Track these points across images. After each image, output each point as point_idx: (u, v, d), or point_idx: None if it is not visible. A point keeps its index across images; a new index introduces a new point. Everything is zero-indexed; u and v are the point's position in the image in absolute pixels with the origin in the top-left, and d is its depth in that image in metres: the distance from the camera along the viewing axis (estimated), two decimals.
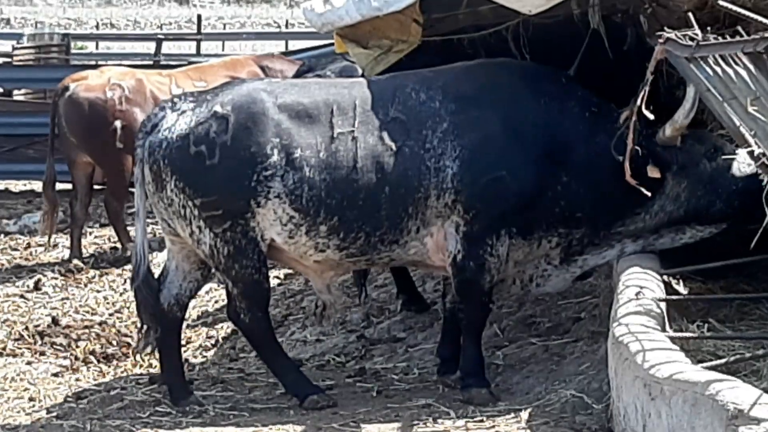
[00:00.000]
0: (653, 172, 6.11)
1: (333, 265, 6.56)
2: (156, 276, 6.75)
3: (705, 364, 4.76)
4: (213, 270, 6.66)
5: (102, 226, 12.16)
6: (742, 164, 6.11)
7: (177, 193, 6.41)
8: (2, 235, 12.09)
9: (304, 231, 6.37)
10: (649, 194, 6.11)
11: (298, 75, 10.56)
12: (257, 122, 6.36)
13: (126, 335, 8.38)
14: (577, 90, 6.48)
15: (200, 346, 8.48)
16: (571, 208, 6.34)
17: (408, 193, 6.29)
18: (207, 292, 9.84)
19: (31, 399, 7.19)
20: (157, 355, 6.93)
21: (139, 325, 6.92)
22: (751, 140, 4.77)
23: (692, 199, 6.29)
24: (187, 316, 9.24)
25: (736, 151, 5.61)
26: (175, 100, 6.61)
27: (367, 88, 6.54)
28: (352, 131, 6.36)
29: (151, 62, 19.95)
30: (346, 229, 6.34)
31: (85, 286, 10.13)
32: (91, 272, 10.45)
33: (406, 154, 6.31)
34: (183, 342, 8.50)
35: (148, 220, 7.44)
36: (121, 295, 9.75)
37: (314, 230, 6.36)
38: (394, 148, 6.31)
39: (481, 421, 5.92)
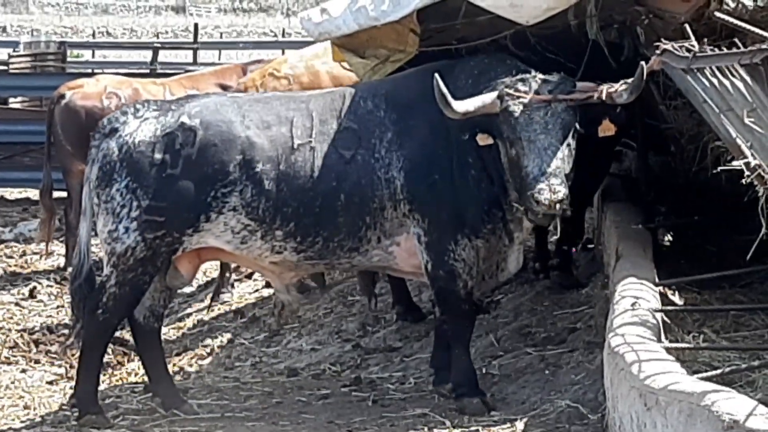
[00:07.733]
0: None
1: (291, 267, 6.60)
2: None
3: (700, 375, 4.77)
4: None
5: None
6: None
7: (124, 193, 6.40)
8: None
9: (259, 236, 6.43)
10: None
11: None
12: (225, 140, 6.39)
13: (121, 344, 8.36)
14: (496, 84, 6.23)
15: (196, 354, 8.47)
16: (496, 195, 6.35)
17: (363, 202, 6.38)
18: (203, 301, 9.84)
19: (25, 407, 7.18)
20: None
21: (73, 321, 6.79)
22: (747, 152, 4.78)
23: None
24: (182, 324, 9.31)
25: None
26: (138, 106, 6.63)
27: (322, 99, 6.61)
28: (310, 141, 6.43)
29: (147, 71, 19.95)
30: (303, 234, 6.40)
31: None
32: None
33: (359, 163, 6.40)
34: (180, 351, 8.52)
35: None
36: None
37: (270, 235, 6.42)
38: (347, 156, 6.41)
39: (477, 431, 5.93)
